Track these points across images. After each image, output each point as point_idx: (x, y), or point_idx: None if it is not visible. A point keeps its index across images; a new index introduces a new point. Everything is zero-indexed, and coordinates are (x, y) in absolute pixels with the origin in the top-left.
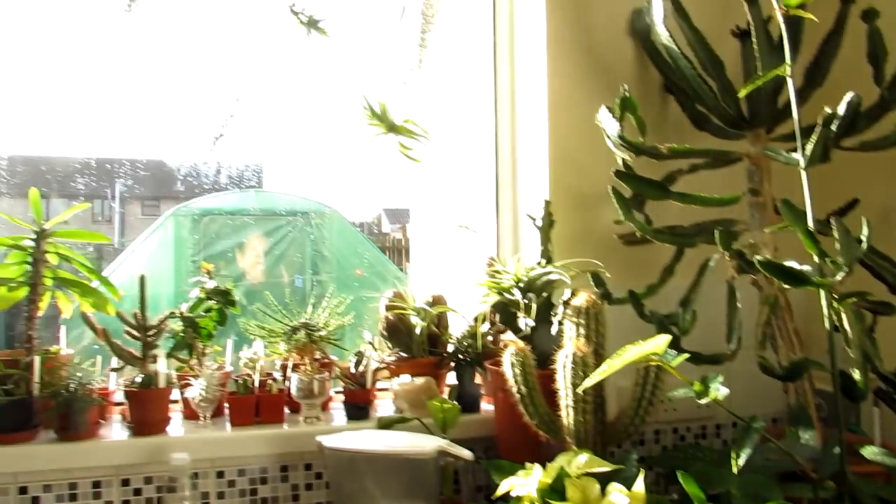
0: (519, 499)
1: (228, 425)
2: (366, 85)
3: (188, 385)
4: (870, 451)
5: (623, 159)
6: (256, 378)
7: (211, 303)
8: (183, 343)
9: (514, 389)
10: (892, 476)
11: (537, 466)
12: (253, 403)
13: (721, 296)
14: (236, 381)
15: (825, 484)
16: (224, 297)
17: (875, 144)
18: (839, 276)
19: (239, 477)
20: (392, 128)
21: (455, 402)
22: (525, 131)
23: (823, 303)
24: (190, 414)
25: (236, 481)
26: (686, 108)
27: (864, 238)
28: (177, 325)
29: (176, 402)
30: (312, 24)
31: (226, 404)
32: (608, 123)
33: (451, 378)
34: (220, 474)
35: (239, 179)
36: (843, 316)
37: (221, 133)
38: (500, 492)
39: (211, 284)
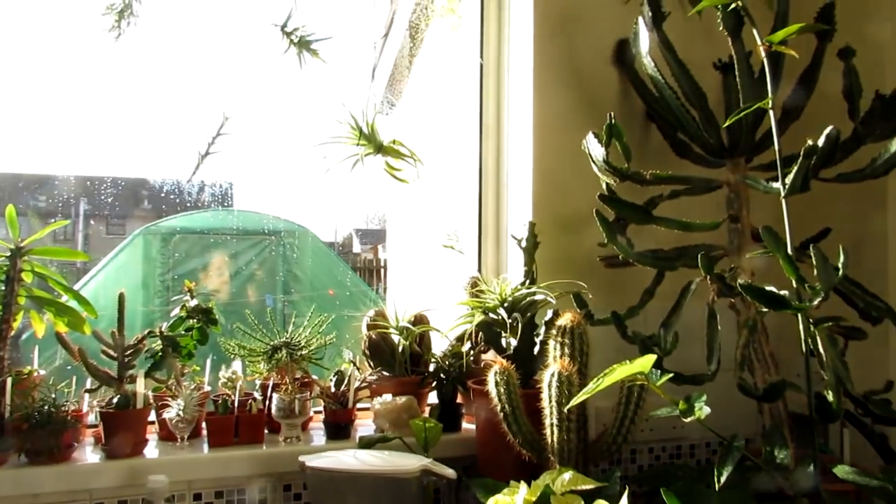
0: None
1: (206, 446)
2: (349, 105)
3: (166, 406)
4: (842, 471)
5: (607, 184)
6: (236, 398)
7: (192, 321)
8: (162, 363)
9: (499, 408)
10: (861, 494)
11: (523, 484)
12: (232, 424)
13: (697, 318)
14: (215, 401)
15: (800, 501)
16: (206, 315)
17: (851, 176)
18: (816, 302)
19: (216, 499)
20: (380, 148)
21: (437, 421)
22: (510, 155)
23: (800, 327)
24: (167, 435)
25: None
26: (668, 137)
27: (840, 266)
28: (155, 344)
29: (153, 423)
30: (304, 45)
31: (204, 425)
32: (595, 149)
33: (433, 397)
34: (197, 496)
35: (210, 197)
36: (818, 340)
37: (209, 151)
38: None
39: (192, 303)
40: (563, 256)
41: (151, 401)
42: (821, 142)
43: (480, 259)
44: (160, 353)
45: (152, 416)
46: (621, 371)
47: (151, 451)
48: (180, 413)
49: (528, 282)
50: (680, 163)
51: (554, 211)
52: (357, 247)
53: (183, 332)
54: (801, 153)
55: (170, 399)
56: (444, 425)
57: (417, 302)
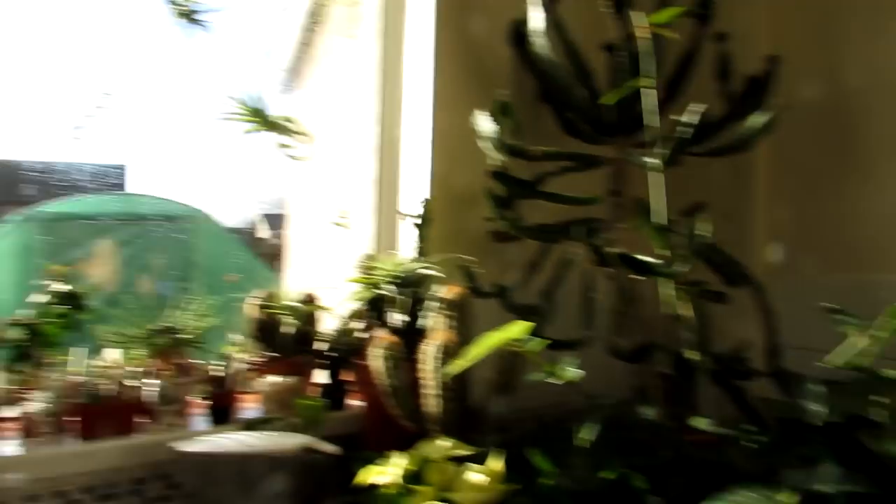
0: (382, 487)
1: (75, 439)
2: (245, 82)
3: (28, 399)
4: (702, 422)
5: (498, 161)
6: (111, 387)
7: (60, 308)
8: (23, 353)
9: (383, 383)
10: (721, 443)
11: (401, 454)
12: (105, 413)
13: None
14: (87, 390)
15: (662, 452)
16: (74, 301)
17: (718, 151)
18: (681, 268)
19: (84, 494)
20: (271, 125)
21: (322, 399)
22: (408, 132)
23: (668, 291)
24: (31, 430)
25: (82, 500)
26: (558, 115)
27: (704, 234)
28: (18, 333)
29: (13, 418)
30: (189, 15)
31: (74, 417)
32: (485, 125)
33: (327, 378)
34: (61, 494)
35: (99, 181)
36: (684, 303)
37: (84, 124)
38: (361, 480)
39: (60, 288)
40: (458, 232)
41: (12, 394)
42: (691, 119)
43: (378, 237)
44: (23, 343)
45: (15, 411)
46: (494, 338)
47: (11, 447)
48: (45, 405)
49: (419, 258)
50: (571, 141)
51: (450, 187)
52: (262, 231)
53: (49, 320)
54: (672, 130)
55: (33, 391)
56: (333, 403)
57: (311, 282)
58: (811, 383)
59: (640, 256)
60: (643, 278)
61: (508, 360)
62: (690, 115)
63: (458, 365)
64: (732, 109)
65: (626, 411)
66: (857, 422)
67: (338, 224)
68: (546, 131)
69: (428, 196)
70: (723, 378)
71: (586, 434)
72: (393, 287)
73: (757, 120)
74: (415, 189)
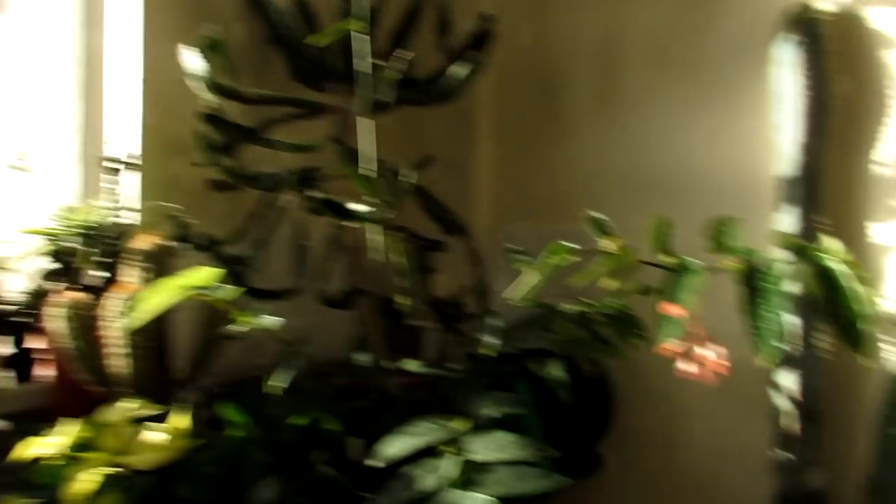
0: (45, 459)
1: None
2: None
3: None
4: (412, 365)
5: (213, 103)
6: None
7: None
8: None
9: (68, 345)
10: (434, 383)
11: (71, 421)
12: None
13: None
14: None
15: (371, 396)
16: None
17: (424, 99)
18: (387, 214)
19: None
20: None
21: None
22: (115, 70)
23: (376, 238)
24: None
25: None
26: (288, 60)
27: (408, 180)
28: None
29: None
30: None
31: None
32: (195, 64)
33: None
34: None
35: None
36: (398, 251)
37: None
38: (19, 455)
39: None
40: (173, 180)
41: None
42: (395, 66)
43: (82, 186)
44: None
45: None
46: (173, 286)
47: None
48: None
49: (119, 207)
50: (301, 88)
51: (164, 132)
52: None
53: None
54: (377, 76)
55: None
56: (18, 375)
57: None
58: (492, 319)
59: (345, 203)
60: (359, 226)
61: (212, 314)
62: (397, 62)
63: (136, 318)
64: (449, 63)
65: (343, 359)
66: (532, 352)
67: (16, 168)
68: (280, 77)
69: (138, 140)
70: (441, 321)
71: (277, 381)
72: (80, 239)
73: (458, 71)
74: (123, 133)
